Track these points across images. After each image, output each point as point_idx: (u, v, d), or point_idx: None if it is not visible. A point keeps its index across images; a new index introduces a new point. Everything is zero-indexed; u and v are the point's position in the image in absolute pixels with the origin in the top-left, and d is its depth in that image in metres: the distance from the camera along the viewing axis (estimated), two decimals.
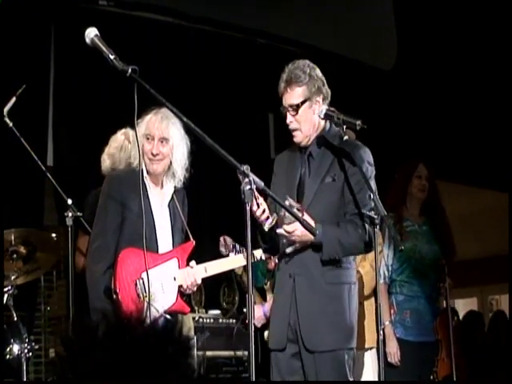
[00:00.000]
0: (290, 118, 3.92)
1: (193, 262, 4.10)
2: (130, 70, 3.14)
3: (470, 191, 8.81)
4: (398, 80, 7.51)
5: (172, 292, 4.06)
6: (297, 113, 3.90)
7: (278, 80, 3.96)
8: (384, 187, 5.09)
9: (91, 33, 3.23)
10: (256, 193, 3.47)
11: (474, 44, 7.43)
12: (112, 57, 3.17)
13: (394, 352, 4.97)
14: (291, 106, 3.91)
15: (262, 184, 3.22)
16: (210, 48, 6.79)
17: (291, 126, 3.92)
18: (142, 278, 3.89)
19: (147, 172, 4.06)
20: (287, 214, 3.68)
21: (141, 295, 3.89)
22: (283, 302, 3.84)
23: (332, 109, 3.89)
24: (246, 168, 3.18)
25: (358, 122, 3.82)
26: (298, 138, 3.93)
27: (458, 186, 8.25)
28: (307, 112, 3.91)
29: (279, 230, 3.76)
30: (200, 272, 4.11)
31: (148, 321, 1.45)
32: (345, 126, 3.81)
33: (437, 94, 7.66)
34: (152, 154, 4.01)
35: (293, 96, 3.91)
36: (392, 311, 5.10)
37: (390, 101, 7.47)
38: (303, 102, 3.90)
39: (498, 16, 7.12)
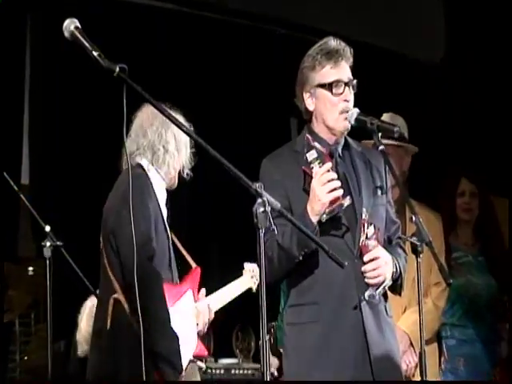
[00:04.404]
0: (350, 96, 3.79)
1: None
2: (117, 69, 3.10)
3: None
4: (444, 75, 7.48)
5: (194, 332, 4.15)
6: (354, 91, 3.81)
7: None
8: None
9: (71, 25, 3.19)
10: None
11: None
12: (96, 53, 3.14)
13: None
14: (352, 80, 3.79)
15: (278, 205, 3.14)
16: (218, 39, 6.81)
17: (350, 105, 3.77)
18: None
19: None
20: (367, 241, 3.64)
21: None
22: (344, 338, 3.69)
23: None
24: (259, 186, 2.99)
25: (396, 129, 3.79)
26: (348, 122, 3.76)
27: None
28: None
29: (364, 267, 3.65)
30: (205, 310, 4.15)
31: None
32: (380, 134, 3.78)
33: None
34: None
35: (348, 71, 3.80)
36: (443, 359, 5.06)
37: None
38: None
39: None
